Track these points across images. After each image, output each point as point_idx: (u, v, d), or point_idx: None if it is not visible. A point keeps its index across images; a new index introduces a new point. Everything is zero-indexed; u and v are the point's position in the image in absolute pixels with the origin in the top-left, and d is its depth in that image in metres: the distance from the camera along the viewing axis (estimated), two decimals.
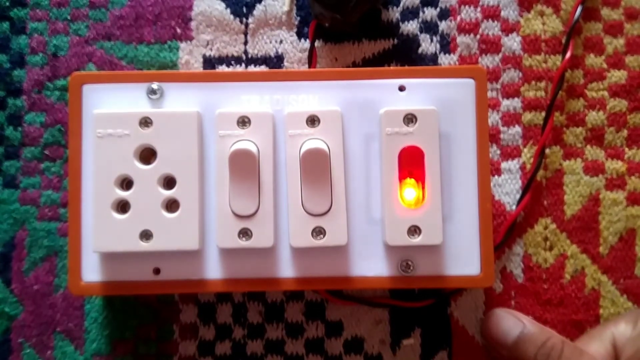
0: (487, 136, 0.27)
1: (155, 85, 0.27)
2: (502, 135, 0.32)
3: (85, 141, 0.27)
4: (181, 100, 0.28)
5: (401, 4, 0.33)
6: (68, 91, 0.28)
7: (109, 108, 0.27)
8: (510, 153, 0.32)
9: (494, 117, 0.32)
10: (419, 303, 0.31)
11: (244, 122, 0.27)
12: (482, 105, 0.28)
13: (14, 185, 0.32)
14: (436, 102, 0.27)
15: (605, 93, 0.33)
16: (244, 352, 0.31)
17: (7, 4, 0.33)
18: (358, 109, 0.28)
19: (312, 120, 0.27)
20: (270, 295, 0.32)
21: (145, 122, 0.27)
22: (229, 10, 0.33)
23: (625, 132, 0.33)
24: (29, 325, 0.31)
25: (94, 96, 0.27)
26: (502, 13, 0.33)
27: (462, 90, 0.28)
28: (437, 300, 0.31)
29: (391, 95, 0.28)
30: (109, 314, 0.31)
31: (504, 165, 0.32)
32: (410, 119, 0.27)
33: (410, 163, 0.27)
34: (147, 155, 0.27)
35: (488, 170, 0.27)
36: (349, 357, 0.31)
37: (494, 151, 0.32)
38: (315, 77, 0.28)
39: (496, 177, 0.32)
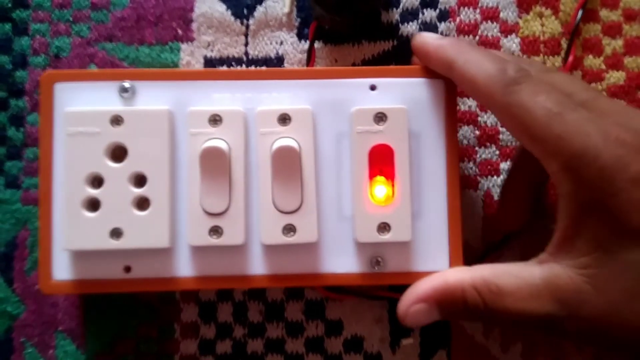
0: (456, 135, 0.28)
1: (127, 84, 0.27)
2: (500, 136, 0.33)
3: (57, 139, 0.27)
4: (153, 98, 0.28)
5: (401, 6, 0.33)
6: (39, 89, 0.28)
7: (81, 106, 0.27)
8: (509, 154, 0.32)
9: (492, 118, 0.33)
10: None
11: (215, 120, 0.27)
12: (451, 105, 0.28)
13: (16, 185, 0.32)
14: (406, 101, 0.28)
15: (604, 94, 0.33)
16: (245, 351, 0.32)
17: (10, 5, 0.33)
18: (329, 107, 0.28)
19: (284, 119, 0.27)
20: (271, 295, 0.32)
21: (116, 120, 0.27)
22: (229, 12, 0.33)
23: None
24: (31, 324, 0.32)
25: (66, 95, 0.27)
26: (501, 14, 0.33)
27: (432, 89, 0.28)
28: None
29: (362, 94, 0.28)
30: (110, 313, 0.32)
31: (502, 165, 0.32)
32: (380, 117, 0.27)
33: (381, 161, 0.27)
34: (119, 153, 0.27)
35: (457, 168, 0.27)
36: (349, 356, 0.31)
37: (493, 152, 0.32)
38: (287, 76, 0.28)
39: (495, 177, 0.32)
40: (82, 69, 0.32)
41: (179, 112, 0.27)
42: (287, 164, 0.26)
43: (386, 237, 0.27)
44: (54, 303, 0.32)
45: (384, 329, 0.32)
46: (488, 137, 0.33)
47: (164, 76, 0.28)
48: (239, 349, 0.32)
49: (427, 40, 0.27)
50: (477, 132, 0.32)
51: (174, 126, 0.27)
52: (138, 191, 0.27)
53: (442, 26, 0.33)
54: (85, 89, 0.28)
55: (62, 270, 0.27)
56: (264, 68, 0.33)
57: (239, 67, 0.33)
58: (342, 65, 0.33)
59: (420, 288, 0.25)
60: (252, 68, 0.33)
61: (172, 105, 0.27)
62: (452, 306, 0.24)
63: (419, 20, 0.33)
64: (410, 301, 0.25)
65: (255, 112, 0.27)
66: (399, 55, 0.33)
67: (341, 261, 0.27)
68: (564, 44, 0.33)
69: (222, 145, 0.26)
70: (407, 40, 0.33)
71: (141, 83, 0.28)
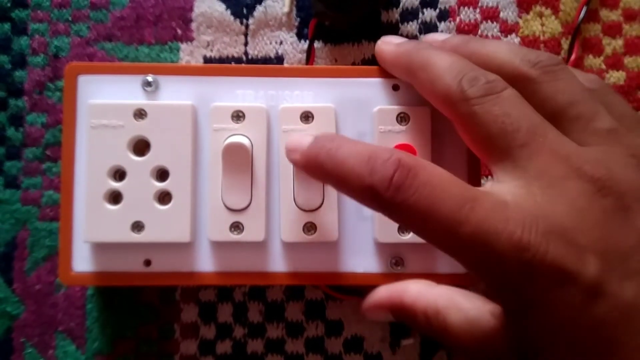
0: None
1: (150, 78, 0.27)
2: None
3: (79, 131, 0.27)
4: (176, 93, 0.28)
5: (401, 5, 0.33)
6: (63, 81, 0.28)
7: (104, 99, 0.27)
8: None
9: None
10: None
11: (238, 116, 0.27)
12: None
13: (16, 185, 0.32)
14: (429, 102, 0.28)
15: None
16: (245, 351, 0.32)
17: (9, 5, 0.33)
18: (352, 106, 0.28)
19: (306, 116, 0.27)
20: (271, 295, 0.32)
21: (140, 113, 0.27)
22: (229, 12, 0.33)
23: None
24: (31, 324, 0.32)
25: (89, 87, 0.27)
26: (501, 14, 0.33)
27: None
28: None
29: (385, 93, 0.28)
30: (110, 313, 0.31)
31: None
32: (403, 117, 0.27)
33: None
34: (141, 146, 0.27)
35: (479, 170, 0.28)
36: (349, 356, 0.31)
37: None
38: (310, 74, 0.28)
39: None
40: (106, 62, 0.32)
41: (202, 108, 0.27)
42: None
43: (406, 237, 0.27)
44: (53, 303, 0.32)
45: (384, 329, 0.32)
46: None
47: (188, 71, 0.28)
48: (239, 350, 0.31)
49: (385, 46, 0.27)
50: None
51: (197, 121, 0.27)
52: (160, 185, 0.27)
53: (442, 26, 0.33)
54: (109, 82, 0.28)
55: (82, 262, 0.27)
56: (287, 65, 0.33)
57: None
58: (342, 65, 0.33)
59: (378, 295, 0.25)
60: (278, 65, 0.33)
61: (195, 101, 0.27)
62: (404, 319, 0.24)
63: (419, 20, 0.33)
64: (370, 303, 0.25)
65: (278, 109, 0.27)
66: None
67: (361, 261, 0.27)
68: (564, 43, 0.33)
69: (244, 141, 0.26)
70: None
71: (164, 78, 0.28)
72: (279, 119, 0.27)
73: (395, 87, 0.28)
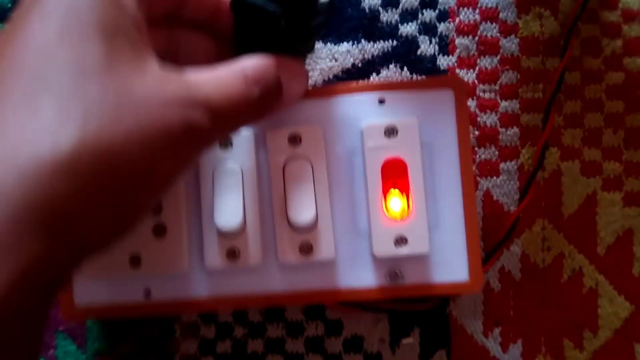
0: (470, 144, 0.28)
1: None
2: (500, 136, 0.33)
3: None
4: None
5: (400, 6, 0.33)
6: None
7: None
8: (508, 154, 0.33)
9: (492, 118, 0.33)
10: (420, 306, 0.31)
11: (226, 143, 0.27)
12: (462, 113, 0.28)
13: None
14: (416, 112, 0.28)
15: (603, 94, 0.33)
16: (245, 351, 0.32)
17: (10, 5, 0.33)
18: (339, 124, 0.28)
19: (294, 139, 0.27)
20: None
21: None
22: None
23: (622, 134, 0.33)
24: None
25: None
26: (501, 15, 0.33)
27: (442, 100, 0.28)
28: (438, 303, 0.31)
29: (371, 108, 0.28)
30: None
31: (502, 166, 0.32)
32: (391, 131, 0.27)
33: (394, 174, 0.27)
34: None
35: (472, 177, 0.28)
36: (349, 356, 0.32)
37: (493, 152, 0.33)
38: None
39: (495, 178, 0.32)
40: None
41: None
42: (300, 182, 0.27)
43: (403, 250, 0.27)
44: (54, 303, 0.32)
45: (383, 329, 0.32)
46: (488, 138, 0.33)
47: None
48: (239, 349, 0.32)
49: None
50: (477, 133, 0.33)
51: None
52: (155, 218, 0.27)
53: (441, 26, 0.33)
54: None
55: (83, 296, 0.27)
56: None
57: None
58: (341, 65, 0.33)
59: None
60: None
61: None
62: None
63: (419, 21, 0.33)
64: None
65: (265, 133, 0.27)
66: (398, 56, 0.33)
67: (359, 276, 0.27)
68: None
69: (235, 167, 0.27)
70: (406, 41, 0.33)
71: None
72: (267, 142, 0.27)
73: (381, 101, 0.28)
